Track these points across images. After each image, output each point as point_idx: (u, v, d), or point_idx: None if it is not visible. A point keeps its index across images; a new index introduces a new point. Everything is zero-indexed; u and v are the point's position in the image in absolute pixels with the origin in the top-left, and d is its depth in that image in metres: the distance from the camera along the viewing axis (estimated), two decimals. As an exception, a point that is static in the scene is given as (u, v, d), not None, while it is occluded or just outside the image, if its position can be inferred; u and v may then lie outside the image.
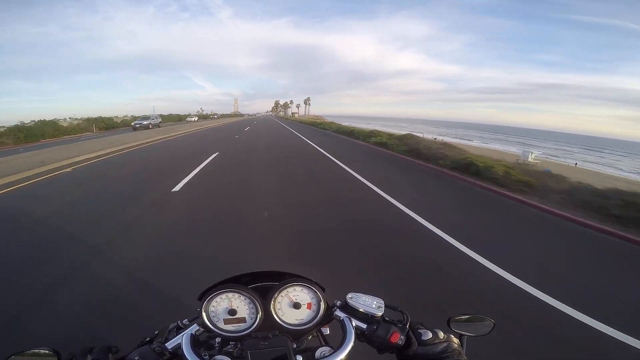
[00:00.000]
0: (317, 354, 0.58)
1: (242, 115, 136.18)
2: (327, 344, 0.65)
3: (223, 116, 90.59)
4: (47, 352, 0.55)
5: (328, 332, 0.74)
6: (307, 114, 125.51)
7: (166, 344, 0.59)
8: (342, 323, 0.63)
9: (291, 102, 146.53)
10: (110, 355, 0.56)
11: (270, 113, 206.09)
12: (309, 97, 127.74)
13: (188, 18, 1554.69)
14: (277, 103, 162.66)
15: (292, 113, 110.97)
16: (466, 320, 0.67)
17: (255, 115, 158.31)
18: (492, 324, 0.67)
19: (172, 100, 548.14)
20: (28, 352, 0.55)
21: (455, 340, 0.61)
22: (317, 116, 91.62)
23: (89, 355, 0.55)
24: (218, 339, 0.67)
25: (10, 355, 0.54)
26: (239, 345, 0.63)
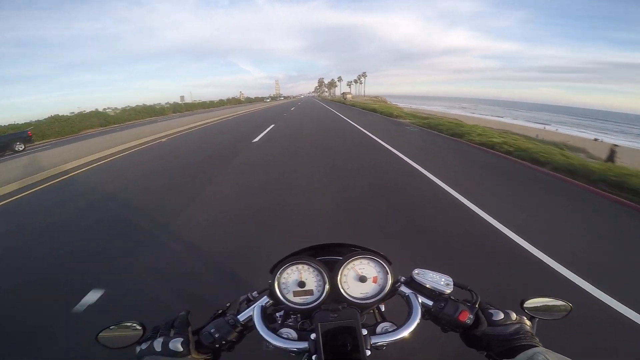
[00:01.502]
0: (379, 329, 0.58)
1: (281, 98, 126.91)
2: (385, 320, 0.61)
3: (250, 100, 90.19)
4: (134, 325, 0.60)
5: (383, 309, 0.72)
6: (362, 94, 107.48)
7: (238, 316, 0.61)
8: (407, 299, 0.62)
9: (339, 79, 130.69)
10: (189, 328, 0.59)
11: (313, 94, 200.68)
12: (364, 73, 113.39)
13: (227, 5, 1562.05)
14: (320, 82, 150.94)
15: (343, 93, 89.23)
16: (540, 303, 0.64)
17: (296, 97, 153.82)
18: (569, 308, 0.64)
19: (220, 85, 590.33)
20: (117, 325, 0.60)
21: (528, 322, 0.59)
22: (376, 97, 75.70)
23: (172, 330, 0.59)
24: (280, 313, 0.68)
25: (102, 330, 0.59)
26: (299, 319, 0.65)
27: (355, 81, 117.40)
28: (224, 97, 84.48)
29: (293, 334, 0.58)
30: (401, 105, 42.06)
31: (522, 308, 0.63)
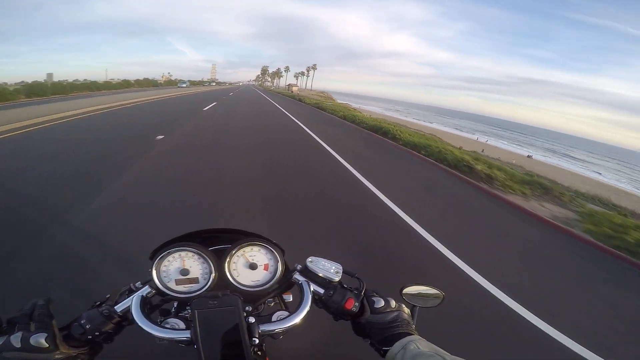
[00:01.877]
0: (274, 317, 0.58)
1: (216, 84, 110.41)
2: (287, 310, 0.62)
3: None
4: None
5: (291, 300, 0.71)
6: (309, 87, 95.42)
7: (115, 307, 0.57)
8: (300, 287, 0.63)
9: (287, 69, 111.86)
10: (53, 321, 0.52)
11: (254, 83, 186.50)
12: (314, 65, 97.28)
13: None
14: (264, 70, 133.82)
15: (289, 85, 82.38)
16: (417, 291, 0.68)
17: (232, 84, 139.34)
18: (442, 296, 0.69)
19: (150, 64, 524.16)
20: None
21: (407, 310, 0.62)
22: (322, 93, 70.58)
23: (32, 324, 0.51)
24: (175, 304, 0.66)
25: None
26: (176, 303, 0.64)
27: (303, 73, 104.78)
28: (151, 77, 73.95)
29: (181, 324, 0.55)
30: (345, 103, 39.77)
31: (401, 295, 0.67)
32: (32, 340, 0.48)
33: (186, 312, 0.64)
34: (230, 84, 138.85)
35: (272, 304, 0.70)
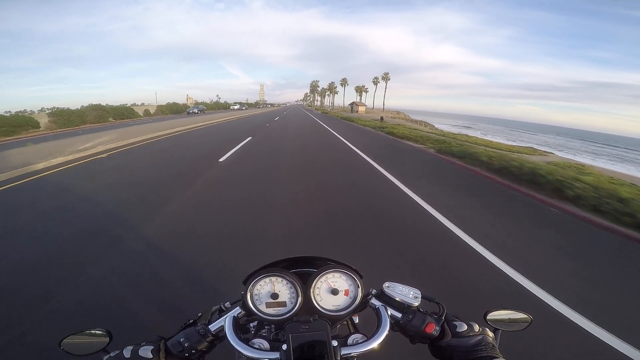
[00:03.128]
0: (350, 340, 0.59)
1: (265, 105, 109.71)
2: (357, 331, 0.63)
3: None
4: (100, 332, 0.60)
5: (357, 321, 0.78)
6: (377, 106, 75.72)
7: (209, 326, 0.61)
8: (377, 311, 0.64)
9: (344, 82, 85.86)
10: (161, 339, 0.60)
11: (301, 103, 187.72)
12: (385, 74, 72.11)
13: (223, 8, 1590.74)
14: (314, 86, 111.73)
15: (352, 105, 63.96)
16: (503, 315, 0.67)
17: (280, 105, 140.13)
18: (529, 320, 0.68)
19: (206, 88, 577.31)
20: (82, 332, 0.60)
21: (490, 334, 0.62)
22: (397, 113, 61.36)
23: (143, 342, 0.58)
24: (254, 323, 0.74)
25: (66, 336, 0.59)
26: (273, 330, 0.68)
27: (361, 88, 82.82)
28: (207, 99, 75.65)
29: (265, 344, 0.58)
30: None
31: (485, 320, 0.65)
32: (141, 352, 0.55)
33: (264, 331, 0.73)
34: (278, 105, 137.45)
35: (340, 324, 0.71)
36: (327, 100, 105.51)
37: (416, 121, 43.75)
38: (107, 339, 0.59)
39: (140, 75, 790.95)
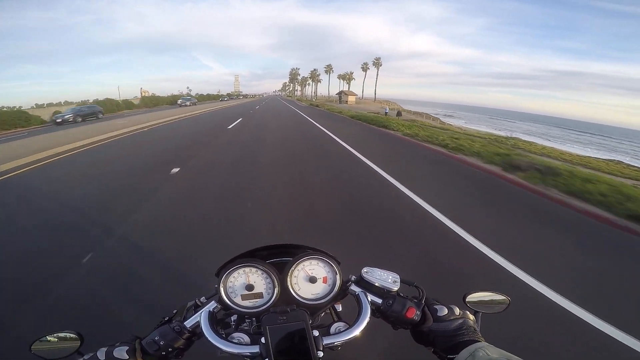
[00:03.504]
0: (332, 329, 0.59)
1: (238, 97, 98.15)
2: (340, 320, 0.63)
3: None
4: (70, 335, 0.59)
5: (340, 309, 0.75)
6: (367, 96, 65.34)
7: (185, 323, 0.61)
8: (357, 298, 0.64)
9: (328, 68, 74.30)
10: (136, 338, 0.59)
11: (279, 93, 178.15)
12: (377, 59, 62.63)
13: None
14: (294, 74, 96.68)
15: (341, 94, 57.99)
16: (482, 297, 0.68)
17: (256, 96, 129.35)
18: (508, 301, 0.68)
19: (180, 80, 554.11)
20: (52, 335, 0.59)
21: (471, 317, 0.61)
22: (385, 102, 52.75)
23: (117, 343, 0.57)
24: (234, 317, 0.70)
25: (36, 340, 0.58)
26: (254, 322, 0.67)
27: (347, 77, 71.20)
28: (177, 92, 72.33)
29: (245, 338, 0.57)
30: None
31: (465, 302, 0.66)
32: (116, 353, 0.54)
33: (245, 324, 0.68)
34: (253, 96, 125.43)
35: (323, 313, 0.70)
36: (308, 90, 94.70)
37: (417, 113, 39.79)
38: (79, 342, 0.58)
39: (107, 69, 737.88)
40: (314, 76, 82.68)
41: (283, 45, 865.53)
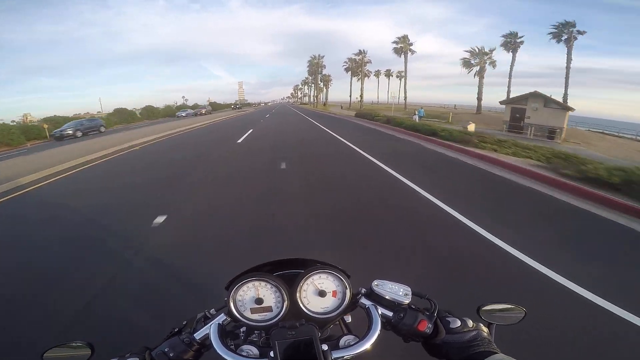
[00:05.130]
0: (342, 342, 0.59)
1: (246, 106, 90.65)
2: (350, 332, 0.64)
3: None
4: (82, 345, 0.60)
5: (350, 320, 0.75)
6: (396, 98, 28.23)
7: (194, 335, 0.61)
8: (367, 311, 0.63)
9: (361, 57, 47.07)
10: (146, 349, 0.59)
11: (288, 100, 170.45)
12: (401, 71, 52.33)
13: (199, 9, 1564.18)
14: (315, 65, 60.59)
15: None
16: (496, 309, 0.67)
17: (261, 104, 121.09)
18: (524, 313, 0.68)
19: (190, 90, 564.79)
20: (63, 345, 0.60)
21: (485, 329, 0.61)
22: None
23: (127, 354, 0.59)
24: (243, 329, 0.71)
25: (46, 350, 0.59)
26: (264, 334, 0.66)
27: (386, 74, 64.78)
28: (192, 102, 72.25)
29: (254, 350, 0.57)
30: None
31: (479, 314, 0.65)
32: None
33: (254, 336, 0.70)
34: (257, 105, 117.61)
35: (332, 325, 0.70)
36: (318, 97, 67.90)
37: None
38: (89, 352, 0.59)
39: (120, 81, 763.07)
40: (326, 80, 70.79)
41: (289, 53, 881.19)
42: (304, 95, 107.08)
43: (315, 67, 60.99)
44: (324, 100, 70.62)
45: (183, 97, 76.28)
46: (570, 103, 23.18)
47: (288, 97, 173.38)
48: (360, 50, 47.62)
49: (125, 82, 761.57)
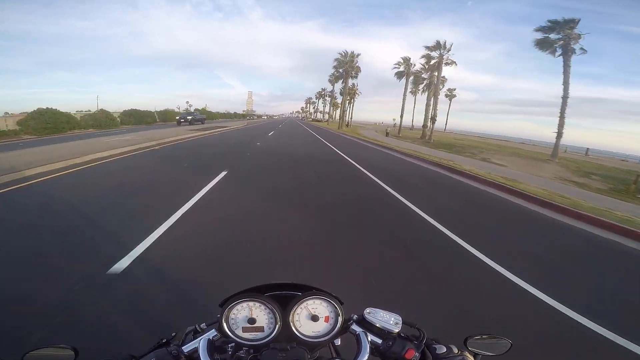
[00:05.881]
0: None
1: (252, 117, 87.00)
2: (338, 356, 0.68)
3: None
4: (65, 348, 0.58)
5: (339, 343, 0.74)
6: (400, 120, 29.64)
7: (183, 347, 0.61)
8: (357, 337, 0.65)
9: (438, 63, 25.07)
10: (132, 357, 0.58)
11: (297, 115, 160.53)
12: (452, 89, 50.91)
13: (221, 18, 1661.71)
14: (348, 62, 38.56)
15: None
16: (483, 340, 0.68)
17: (272, 117, 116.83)
18: (509, 345, 0.69)
19: (202, 97, 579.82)
20: (44, 349, 0.57)
21: (470, 357, 0.63)
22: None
23: None
24: (232, 344, 0.70)
25: (26, 353, 0.56)
26: (252, 352, 0.66)
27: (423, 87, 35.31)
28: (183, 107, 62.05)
29: None
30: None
31: (465, 345, 0.67)
32: None
33: (242, 352, 0.68)
34: (261, 117, 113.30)
35: (322, 347, 0.71)
36: (334, 115, 59.81)
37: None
38: (73, 355, 0.58)
39: (136, 81, 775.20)
40: (352, 92, 51.14)
41: (302, 68, 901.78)
42: (316, 111, 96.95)
43: (349, 68, 39.74)
44: (348, 118, 52.94)
45: (187, 102, 63.65)
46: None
47: (298, 111, 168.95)
48: (438, 43, 25.60)
49: (141, 82, 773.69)
